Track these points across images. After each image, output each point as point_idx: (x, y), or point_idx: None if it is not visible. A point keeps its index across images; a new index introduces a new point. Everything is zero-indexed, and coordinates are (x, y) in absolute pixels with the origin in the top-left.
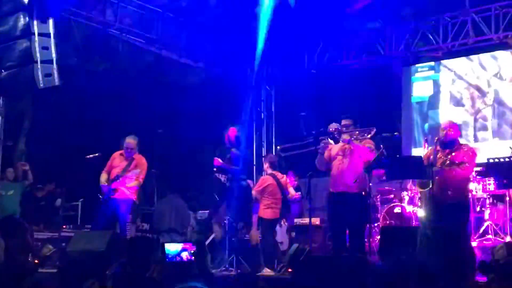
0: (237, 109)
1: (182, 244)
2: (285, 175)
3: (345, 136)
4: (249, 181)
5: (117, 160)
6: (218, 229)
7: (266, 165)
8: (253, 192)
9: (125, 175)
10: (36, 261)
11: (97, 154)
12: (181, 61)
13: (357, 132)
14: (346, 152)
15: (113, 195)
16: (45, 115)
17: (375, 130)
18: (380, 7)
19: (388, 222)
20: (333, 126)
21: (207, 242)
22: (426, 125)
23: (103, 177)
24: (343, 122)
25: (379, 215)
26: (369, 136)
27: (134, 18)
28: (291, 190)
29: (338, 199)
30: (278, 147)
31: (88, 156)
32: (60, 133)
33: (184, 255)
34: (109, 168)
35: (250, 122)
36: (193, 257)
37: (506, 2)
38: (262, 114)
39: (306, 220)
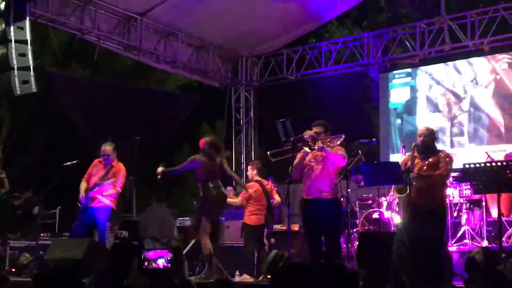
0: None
1: (159, 251)
2: (270, 182)
3: (319, 144)
4: (229, 188)
5: (96, 168)
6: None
7: (253, 172)
8: (239, 198)
9: (103, 183)
10: (13, 269)
11: (74, 162)
12: (160, 68)
13: (328, 139)
14: (318, 159)
15: (91, 203)
16: (23, 122)
17: (343, 137)
18: (358, 15)
19: (366, 227)
20: (307, 133)
21: (186, 249)
22: (403, 131)
23: (83, 185)
24: (314, 129)
25: (357, 221)
26: (338, 142)
27: (112, 24)
28: (276, 197)
29: (311, 205)
30: (269, 153)
31: (65, 164)
32: (38, 141)
33: (161, 262)
34: (88, 176)
35: (229, 128)
36: (169, 264)
37: (481, 10)
38: (241, 120)
39: (285, 226)
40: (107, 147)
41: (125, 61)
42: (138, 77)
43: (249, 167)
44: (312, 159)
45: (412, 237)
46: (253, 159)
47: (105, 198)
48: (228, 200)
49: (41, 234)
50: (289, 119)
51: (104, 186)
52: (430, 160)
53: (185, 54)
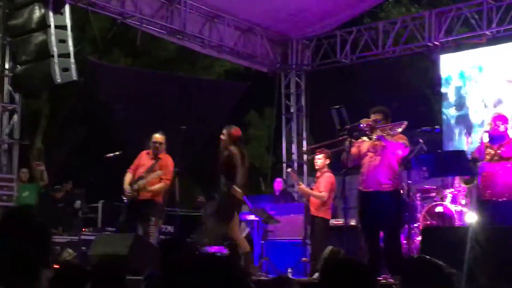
0: (264, 101)
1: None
2: None
3: (377, 132)
4: (278, 179)
5: (143, 159)
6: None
7: (326, 161)
8: (323, 193)
9: (150, 175)
10: (55, 266)
11: (117, 153)
12: (205, 52)
13: (388, 127)
14: (377, 149)
15: (136, 197)
16: (63, 113)
17: (406, 123)
18: None
19: (429, 222)
20: (364, 121)
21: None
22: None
23: (128, 177)
24: (373, 116)
25: (419, 215)
26: (399, 130)
27: (154, 7)
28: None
29: (369, 198)
30: (304, 150)
31: (107, 155)
32: (78, 132)
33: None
34: (135, 167)
35: (278, 116)
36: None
37: None
38: (292, 107)
39: (340, 221)
40: (158, 137)
41: (168, 47)
42: (182, 63)
43: (320, 155)
44: (370, 148)
45: (484, 232)
46: (304, 149)
47: (152, 191)
48: (309, 191)
49: (83, 229)
50: (344, 106)
51: (151, 179)
52: (503, 149)
53: (232, 38)
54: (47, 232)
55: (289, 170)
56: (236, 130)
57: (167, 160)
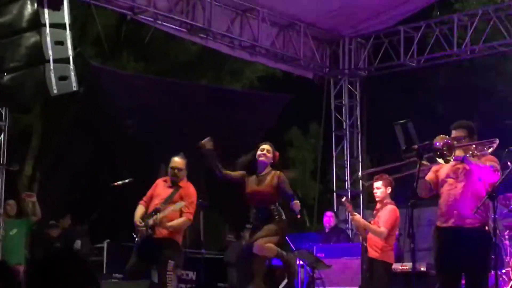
0: (309, 115)
1: None
2: None
3: (458, 152)
4: (329, 213)
5: (159, 188)
6: None
7: (387, 190)
8: (382, 228)
9: (167, 207)
10: None
11: (127, 181)
12: (235, 55)
13: (473, 146)
14: (459, 174)
15: (151, 234)
16: (60, 131)
17: (497, 141)
18: None
19: None
20: (441, 139)
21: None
22: None
23: (140, 210)
24: (454, 133)
25: (507, 259)
26: (490, 150)
27: (172, 0)
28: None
29: (450, 236)
30: (360, 175)
31: (115, 184)
32: (80, 155)
33: None
34: (148, 199)
35: (327, 134)
36: None
37: None
38: (344, 123)
39: (407, 266)
40: (178, 161)
41: (189, 48)
42: (205, 68)
43: (378, 182)
44: (450, 173)
45: None
46: (360, 174)
47: (170, 227)
48: (365, 224)
49: None
50: (410, 120)
51: (168, 212)
52: None
53: (268, 36)
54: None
55: (343, 199)
56: (278, 154)
57: (189, 189)
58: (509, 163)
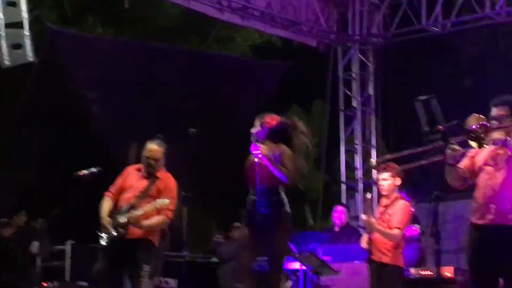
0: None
1: None
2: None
3: (497, 135)
4: (339, 208)
5: (132, 179)
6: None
7: (396, 181)
8: (396, 230)
9: (145, 203)
10: None
11: (94, 170)
12: (223, 19)
13: None
14: (500, 161)
15: (123, 234)
16: (10, 109)
17: None
18: None
19: None
20: (475, 120)
21: None
22: None
23: (107, 204)
24: (495, 111)
25: None
26: None
27: None
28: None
29: (487, 235)
30: (373, 162)
31: (79, 173)
32: (34, 138)
33: None
34: (117, 191)
35: (334, 113)
36: None
37: None
38: (355, 99)
39: (430, 271)
40: (155, 148)
41: (168, 12)
42: (188, 35)
43: (385, 173)
44: (489, 160)
45: None
46: (374, 161)
47: (146, 227)
48: (380, 229)
49: (44, 284)
50: (434, 96)
51: (149, 209)
52: None
53: None
54: None
55: (368, 195)
56: (271, 117)
57: (169, 182)
58: None
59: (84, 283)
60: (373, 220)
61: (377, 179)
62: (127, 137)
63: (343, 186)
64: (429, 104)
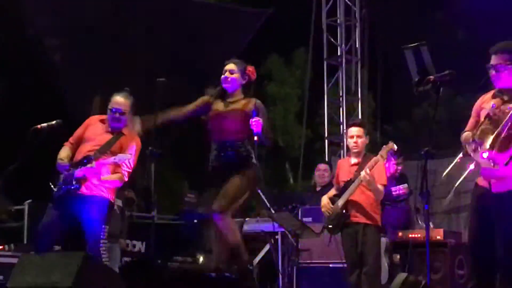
0: (293, 40)
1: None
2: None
3: None
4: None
5: (95, 129)
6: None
7: (367, 138)
8: (380, 186)
9: (103, 157)
10: None
11: (53, 122)
12: None
13: None
14: (500, 115)
15: (76, 188)
16: None
17: None
18: None
19: None
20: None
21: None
22: None
23: (64, 152)
24: (494, 59)
25: None
26: None
27: None
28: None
29: (493, 199)
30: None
31: (38, 126)
32: None
33: None
34: (77, 139)
35: (317, 62)
36: None
37: None
38: (340, 48)
39: (419, 234)
40: (122, 101)
41: None
42: None
43: (359, 129)
44: (492, 114)
45: None
46: (360, 115)
47: (102, 183)
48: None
49: (0, 247)
50: (425, 43)
51: (104, 163)
52: None
53: None
54: None
55: (361, 176)
56: (253, 70)
57: (133, 140)
58: None
59: None
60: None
61: (349, 134)
62: (91, 89)
63: (326, 142)
64: (419, 53)
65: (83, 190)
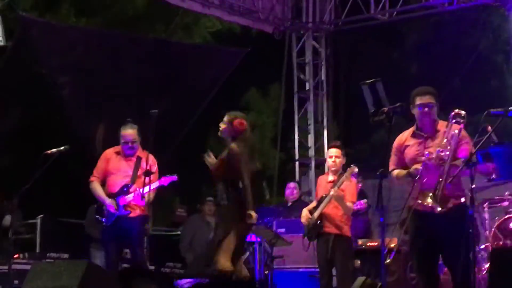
0: (268, 75)
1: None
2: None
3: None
4: (292, 184)
5: (115, 162)
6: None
7: (344, 159)
8: (349, 203)
9: (138, 181)
10: None
11: (61, 148)
12: (184, 6)
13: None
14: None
15: (127, 214)
16: None
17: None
18: None
19: (501, 242)
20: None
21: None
22: None
23: (99, 188)
24: (419, 100)
25: (487, 233)
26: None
27: None
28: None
29: (433, 217)
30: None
31: (49, 152)
32: (7, 118)
33: None
34: (103, 174)
35: (288, 96)
36: None
37: None
38: (308, 83)
39: (376, 242)
40: (129, 131)
41: (133, 1)
42: (152, 23)
43: (337, 150)
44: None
45: None
46: (325, 141)
47: (142, 203)
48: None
49: (16, 256)
50: (380, 80)
51: (150, 189)
52: None
53: None
54: None
55: (331, 193)
56: (241, 122)
57: (150, 158)
58: (488, 127)
59: (54, 254)
60: (341, 193)
61: (328, 154)
62: (94, 119)
63: (297, 163)
64: (375, 88)
65: (132, 213)
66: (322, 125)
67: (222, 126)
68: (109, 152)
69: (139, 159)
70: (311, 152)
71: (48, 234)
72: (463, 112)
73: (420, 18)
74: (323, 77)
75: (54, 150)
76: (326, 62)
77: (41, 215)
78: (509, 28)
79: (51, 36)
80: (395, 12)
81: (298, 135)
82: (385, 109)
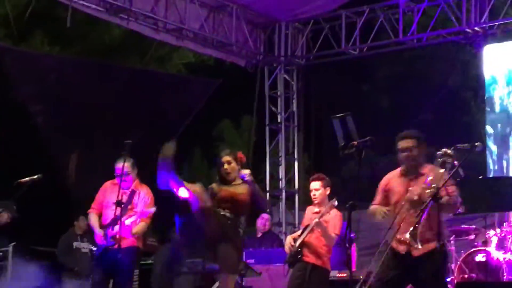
0: (241, 107)
1: None
2: None
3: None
4: (264, 215)
5: (111, 194)
6: None
7: (326, 190)
8: (333, 234)
9: (128, 214)
10: None
11: (35, 177)
12: (159, 38)
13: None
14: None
15: (113, 245)
16: None
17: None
18: None
19: (466, 275)
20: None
21: None
22: None
23: (95, 219)
24: (402, 143)
25: (453, 266)
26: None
27: None
28: None
29: (410, 259)
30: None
31: (21, 181)
32: None
33: None
34: (99, 205)
35: (260, 127)
36: None
37: None
38: (279, 116)
39: (345, 274)
40: (119, 165)
41: (110, 31)
42: (128, 54)
43: (317, 183)
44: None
45: None
46: (296, 172)
47: (132, 235)
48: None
49: None
50: (350, 114)
51: (132, 222)
52: None
53: (196, 19)
54: None
55: (314, 221)
56: (240, 154)
57: (143, 190)
58: (455, 162)
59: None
60: (324, 224)
61: (310, 188)
62: (68, 147)
63: (267, 194)
64: (345, 122)
65: (118, 244)
66: (293, 157)
67: (233, 165)
68: (107, 184)
69: (132, 192)
70: (282, 184)
71: (19, 261)
72: (449, 151)
73: (391, 53)
74: (294, 110)
75: (27, 178)
76: (297, 95)
77: (13, 243)
78: (478, 65)
79: (25, 64)
80: (366, 48)
81: (269, 167)
82: (355, 142)
